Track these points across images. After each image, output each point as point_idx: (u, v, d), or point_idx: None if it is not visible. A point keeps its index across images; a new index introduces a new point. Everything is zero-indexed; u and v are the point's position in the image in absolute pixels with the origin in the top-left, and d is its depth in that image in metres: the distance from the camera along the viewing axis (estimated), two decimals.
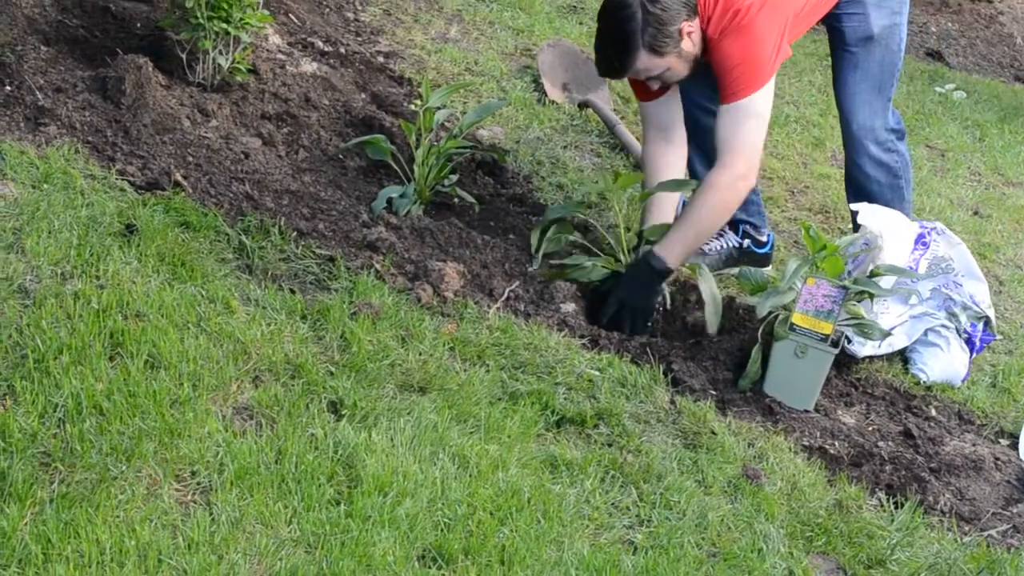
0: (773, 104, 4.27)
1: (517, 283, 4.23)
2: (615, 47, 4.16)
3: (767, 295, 4.06)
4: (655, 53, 4.12)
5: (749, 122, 4.16)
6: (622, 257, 4.37)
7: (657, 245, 4.25)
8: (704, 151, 4.75)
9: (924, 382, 4.40)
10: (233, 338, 3.54)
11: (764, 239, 4.92)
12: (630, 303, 4.23)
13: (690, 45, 4.14)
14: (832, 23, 4.48)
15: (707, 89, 4.60)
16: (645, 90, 4.43)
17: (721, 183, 4.19)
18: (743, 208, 4.80)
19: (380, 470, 3.19)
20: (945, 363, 4.44)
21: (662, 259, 4.22)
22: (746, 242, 4.86)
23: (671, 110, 4.50)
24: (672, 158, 4.51)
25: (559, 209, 4.60)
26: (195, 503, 3.00)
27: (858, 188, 4.72)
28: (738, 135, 4.16)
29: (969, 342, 4.49)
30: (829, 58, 4.76)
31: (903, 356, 4.50)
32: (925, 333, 4.47)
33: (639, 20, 4.05)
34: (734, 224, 4.84)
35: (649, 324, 4.26)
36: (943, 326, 4.47)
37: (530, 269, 4.36)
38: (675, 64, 4.18)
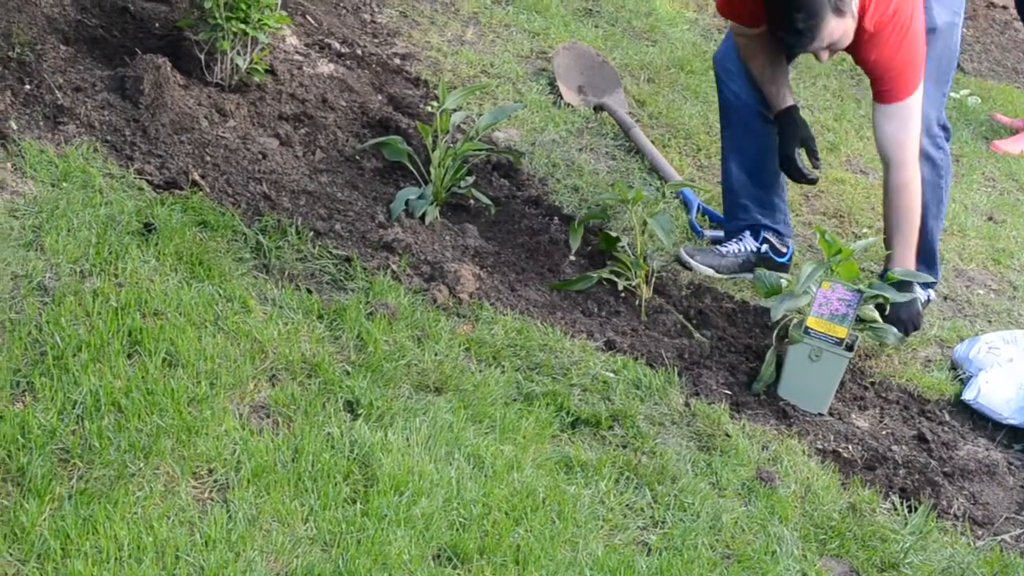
0: None
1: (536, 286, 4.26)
2: (803, 15, 4.08)
3: (782, 298, 4.07)
4: (839, 14, 4.10)
5: (913, 120, 4.32)
6: (637, 259, 4.36)
7: (890, 267, 4.45)
8: (744, 153, 4.75)
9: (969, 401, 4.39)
10: (250, 337, 3.56)
11: (785, 249, 4.89)
12: (902, 320, 4.44)
13: (856, 7, 4.15)
14: None
15: (757, 91, 4.60)
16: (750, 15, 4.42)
17: (905, 182, 4.41)
18: (769, 214, 4.81)
19: (396, 469, 3.20)
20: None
21: (904, 269, 4.40)
22: (764, 247, 4.83)
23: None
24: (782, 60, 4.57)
25: (594, 211, 4.77)
26: (212, 500, 3.01)
27: None
28: (907, 134, 4.34)
29: None
30: (843, 63, 4.76)
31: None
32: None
33: None
34: (755, 229, 4.84)
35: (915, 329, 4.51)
36: None
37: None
38: (848, 28, 4.18)
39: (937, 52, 4.48)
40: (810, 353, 4.01)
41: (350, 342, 3.71)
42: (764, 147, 4.72)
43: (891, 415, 4.21)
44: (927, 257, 4.76)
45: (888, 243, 4.52)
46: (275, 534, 2.95)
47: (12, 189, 3.84)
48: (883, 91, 4.31)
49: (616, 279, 4.37)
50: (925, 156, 4.58)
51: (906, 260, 4.43)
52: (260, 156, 4.51)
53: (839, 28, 4.14)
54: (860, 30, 4.19)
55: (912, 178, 4.40)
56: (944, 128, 4.65)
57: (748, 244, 4.84)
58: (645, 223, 4.36)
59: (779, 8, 4.15)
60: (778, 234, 4.87)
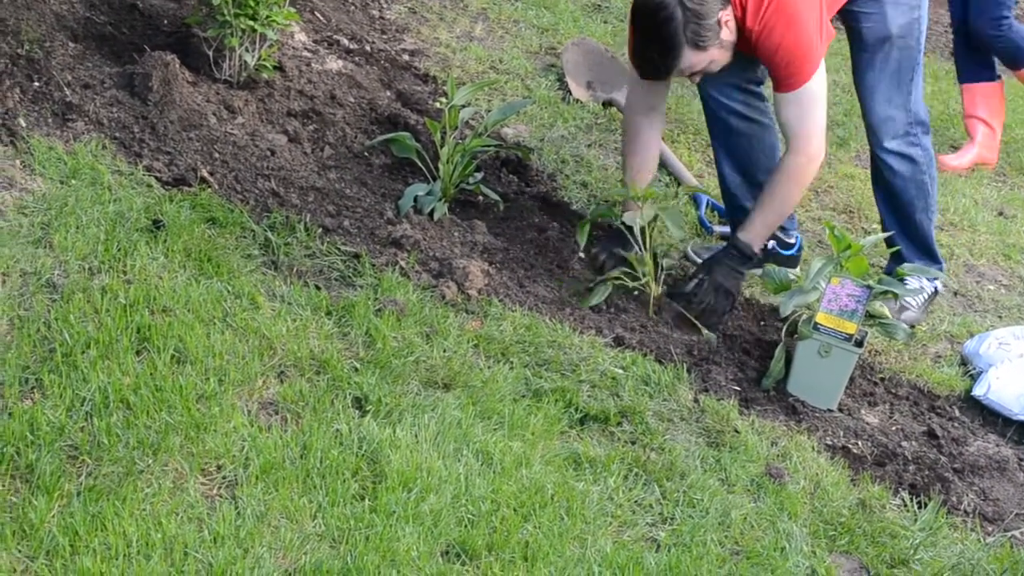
0: None
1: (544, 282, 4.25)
2: (658, 49, 4.12)
3: (791, 294, 4.06)
4: (698, 48, 4.09)
5: (814, 107, 4.23)
6: (645, 256, 4.35)
7: (741, 231, 4.40)
8: (733, 155, 4.72)
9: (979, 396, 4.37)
10: (259, 333, 3.56)
11: (792, 241, 4.89)
12: (719, 284, 4.32)
13: (728, 33, 4.13)
14: (850, 23, 4.46)
15: (735, 91, 4.58)
16: None
17: (796, 168, 4.28)
18: None
19: (404, 466, 3.20)
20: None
21: (748, 244, 4.36)
22: (770, 243, 4.82)
23: (663, 92, 4.50)
24: (655, 131, 4.51)
25: (602, 208, 4.74)
26: (221, 497, 3.02)
27: (882, 183, 4.71)
28: (805, 121, 4.24)
29: None
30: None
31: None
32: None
33: (679, 18, 4.01)
34: None
35: (728, 308, 4.35)
36: None
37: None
38: (717, 55, 4.17)
39: (894, 58, 4.47)
40: (819, 349, 4.01)
41: (359, 338, 3.71)
42: (751, 145, 4.72)
43: (901, 411, 4.20)
44: (924, 251, 4.76)
45: (751, 215, 4.42)
46: (283, 530, 2.95)
47: (21, 186, 3.85)
48: (777, 80, 4.22)
49: (628, 283, 4.34)
50: (900, 156, 4.61)
51: (756, 234, 4.36)
52: (269, 153, 4.51)
53: (702, 59, 4.13)
54: (748, 32, 4.14)
55: (800, 168, 4.28)
56: (920, 124, 4.62)
57: None
58: (655, 218, 4.35)
59: (638, 40, 4.19)
60: (782, 227, 4.85)
